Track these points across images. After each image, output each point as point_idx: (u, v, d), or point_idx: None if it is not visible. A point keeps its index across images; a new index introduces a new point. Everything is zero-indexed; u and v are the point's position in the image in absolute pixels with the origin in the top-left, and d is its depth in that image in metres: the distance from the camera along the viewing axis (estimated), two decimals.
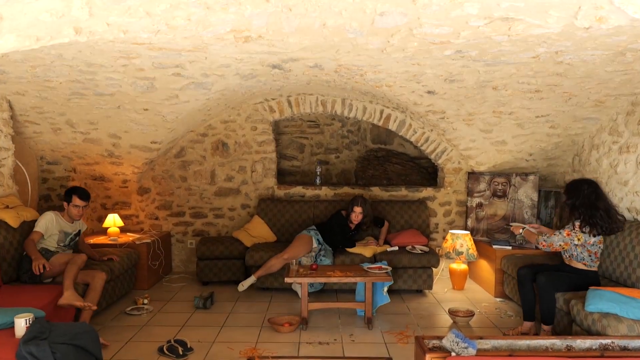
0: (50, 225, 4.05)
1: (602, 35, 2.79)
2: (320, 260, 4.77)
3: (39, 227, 3.98)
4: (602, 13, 2.45)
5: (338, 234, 4.96)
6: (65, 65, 3.41)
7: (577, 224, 3.75)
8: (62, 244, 4.14)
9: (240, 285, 4.74)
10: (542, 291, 3.71)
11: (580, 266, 3.81)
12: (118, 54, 3.23)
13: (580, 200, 3.78)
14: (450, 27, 2.78)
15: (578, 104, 4.28)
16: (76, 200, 4.13)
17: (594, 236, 3.72)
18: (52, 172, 5.27)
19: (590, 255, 3.76)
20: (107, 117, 4.54)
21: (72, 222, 4.23)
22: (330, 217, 5.12)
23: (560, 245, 3.79)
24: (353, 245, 5.00)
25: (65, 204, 4.17)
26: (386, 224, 5.23)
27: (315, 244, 4.88)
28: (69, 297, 3.53)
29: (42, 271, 3.67)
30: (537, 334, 3.88)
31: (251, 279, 4.75)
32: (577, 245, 3.76)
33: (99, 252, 4.55)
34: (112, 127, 4.75)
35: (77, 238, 4.31)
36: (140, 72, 3.63)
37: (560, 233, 3.79)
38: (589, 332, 3.22)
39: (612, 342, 2.78)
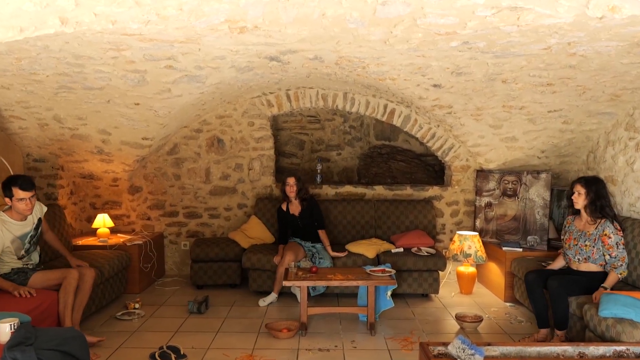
0: None
1: (616, 26, 2.79)
2: (319, 262, 4.79)
3: None
4: (615, 2, 2.45)
5: (289, 228, 5.12)
6: (52, 58, 3.42)
7: (616, 224, 3.79)
8: (22, 252, 3.75)
9: (261, 300, 4.82)
10: (554, 296, 3.71)
11: (594, 269, 3.82)
12: (107, 46, 3.24)
13: (605, 200, 3.85)
14: (456, 17, 2.78)
15: (592, 98, 4.28)
16: (18, 193, 3.55)
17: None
18: (38, 170, 5.28)
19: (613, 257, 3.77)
20: (96, 112, 4.55)
21: (25, 218, 3.74)
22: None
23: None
24: (312, 235, 5.05)
25: (7, 200, 3.62)
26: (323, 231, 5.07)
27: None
28: None
29: (29, 296, 3.48)
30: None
31: (272, 296, 4.83)
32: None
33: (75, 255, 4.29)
34: (101, 122, 4.76)
35: (39, 231, 3.91)
36: (131, 64, 3.64)
37: (622, 249, 3.72)
38: (602, 338, 3.22)
39: (627, 349, 2.79)
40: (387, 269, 4.33)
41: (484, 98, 4.42)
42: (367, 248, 4.99)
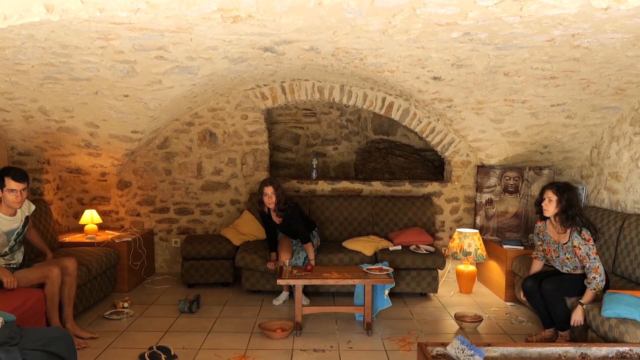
0: None
1: (622, 17, 2.79)
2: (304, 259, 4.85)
3: None
4: None
5: (274, 231, 4.96)
6: (38, 47, 3.40)
7: (584, 234, 3.67)
8: (6, 249, 3.73)
9: (275, 300, 4.85)
10: (550, 299, 3.72)
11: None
12: (95, 35, 3.22)
13: (576, 209, 3.74)
14: (457, 7, 2.78)
15: (597, 91, 4.29)
16: (11, 184, 3.58)
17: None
18: (23, 164, 5.25)
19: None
20: (84, 104, 4.53)
21: (14, 213, 3.75)
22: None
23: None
24: (295, 236, 4.91)
25: None
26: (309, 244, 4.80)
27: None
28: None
29: (13, 287, 3.49)
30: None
31: (284, 295, 4.86)
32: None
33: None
34: (89, 114, 4.74)
35: (25, 229, 3.90)
36: (120, 54, 3.61)
37: (594, 259, 3.60)
38: (605, 339, 3.24)
39: (630, 350, 2.80)
40: (384, 267, 4.34)
41: (485, 91, 4.42)
42: (365, 245, 5.00)
